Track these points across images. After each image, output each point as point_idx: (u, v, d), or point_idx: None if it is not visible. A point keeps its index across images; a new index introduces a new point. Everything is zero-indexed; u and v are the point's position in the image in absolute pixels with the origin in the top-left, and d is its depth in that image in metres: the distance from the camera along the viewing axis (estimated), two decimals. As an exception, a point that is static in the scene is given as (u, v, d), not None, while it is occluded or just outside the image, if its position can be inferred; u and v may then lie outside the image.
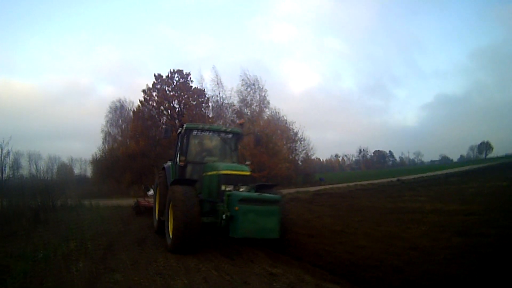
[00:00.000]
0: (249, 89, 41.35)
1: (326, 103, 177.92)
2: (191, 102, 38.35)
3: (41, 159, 73.64)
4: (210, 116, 38.68)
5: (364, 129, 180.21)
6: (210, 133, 10.24)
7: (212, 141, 10.76)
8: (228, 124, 31.98)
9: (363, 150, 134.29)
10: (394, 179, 40.41)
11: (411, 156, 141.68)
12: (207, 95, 40.49)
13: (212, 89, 41.47)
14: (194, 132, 9.87)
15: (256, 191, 8.22)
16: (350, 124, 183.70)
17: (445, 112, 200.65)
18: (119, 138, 43.88)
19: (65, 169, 72.48)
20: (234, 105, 41.20)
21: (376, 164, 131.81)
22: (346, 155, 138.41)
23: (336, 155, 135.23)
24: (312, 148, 45.97)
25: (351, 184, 36.98)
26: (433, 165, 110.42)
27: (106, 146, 44.17)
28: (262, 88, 41.64)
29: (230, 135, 10.32)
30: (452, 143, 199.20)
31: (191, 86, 39.38)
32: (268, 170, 33.41)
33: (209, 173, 8.78)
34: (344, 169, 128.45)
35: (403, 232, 8.75)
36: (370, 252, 7.09)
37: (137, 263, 6.89)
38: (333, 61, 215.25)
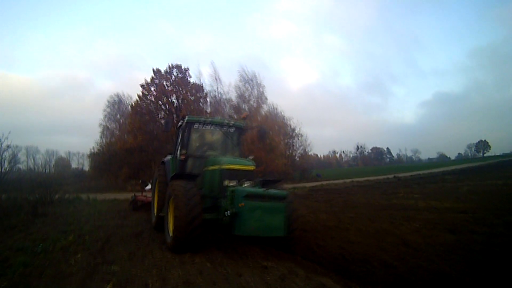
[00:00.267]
0: (247, 85, 41.37)
1: (324, 99, 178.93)
2: (189, 97, 38.22)
3: (39, 153, 73.98)
4: (208, 111, 38.64)
5: (362, 126, 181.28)
6: (212, 127, 9.86)
7: (213, 135, 10.33)
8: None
9: (361, 146, 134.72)
10: (391, 176, 40.70)
11: (409, 154, 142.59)
12: (205, 91, 40.48)
13: (210, 85, 41.49)
14: (196, 125, 9.54)
15: (261, 187, 7.95)
16: (348, 120, 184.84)
17: (443, 110, 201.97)
18: (117, 133, 43.65)
19: (62, 163, 72.70)
20: (232, 101, 41.16)
21: (374, 161, 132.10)
22: (343, 152, 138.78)
23: (334, 152, 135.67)
24: (309, 144, 46.21)
25: (347, 180, 37.24)
26: (430, 163, 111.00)
27: (103, 140, 43.97)
28: (260, 84, 41.71)
29: (232, 129, 9.97)
30: (450, 141, 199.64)
31: (189, 81, 39.25)
32: (264, 166, 33.45)
33: (211, 167, 8.45)
34: (342, 165, 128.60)
35: (396, 229, 8.82)
36: (361, 247, 7.22)
37: (134, 255, 7.03)
38: (331, 58, 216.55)
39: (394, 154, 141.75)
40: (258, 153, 32.64)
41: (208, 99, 40.69)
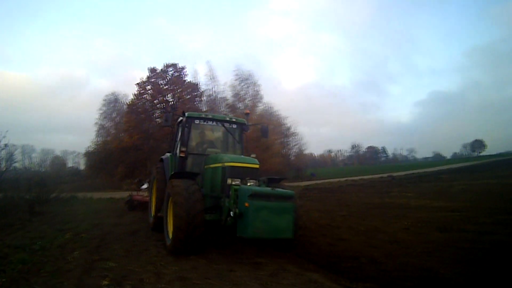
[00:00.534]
0: (242, 84, 41.68)
1: (320, 98, 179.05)
2: (185, 96, 38.32)
3: (34, 152, 73.65)
4: (203, 110, 38.77)
5: (358, 125, 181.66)
6: (213, 123, 9.41)
7: (214, 132, 10.00)
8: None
9: (356, 146, 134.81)
10: (385, 175, 40.83)
11: (404, 153, 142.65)
12: (200, 89, 40.66)
13: (206, 83, 41.79)
14: (196, 121, 9.12)
15: (267, 186, 7.48)
16: (344, 119, 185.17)
17: (439, 110, 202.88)
18: (113, 132, 43.75)
19: (58, 162, 72.48)
20: (227, 99, 41.44)
21: (369, 160, 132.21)
22: (339, 151, 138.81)
23: (329, 151, 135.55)
24: (305, 143, 46.49)
25: (342, 179, 37.43)
26: (426, 162, 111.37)
27: (99, 139, 44.12)
28: (256, 83, 42.02)
29: (234, 126, 9.50)
30: (445, 141, 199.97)
31: (185, 80, 39.41)
32: (259, 165, 33.57)
33: (212, 165, 8.03)
34: (337, 164, 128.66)
35: (386, 227, 9.01)
36: (352, 244, 7.39)
37: (130, 252, 7.15)
38: (328, 57, 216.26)
39: (390, 153, 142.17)
40: (251, 152, 32.73)
41: (203, 98, 40.83)
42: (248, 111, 11.29)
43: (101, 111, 45.24)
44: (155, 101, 38.21)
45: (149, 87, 38.27)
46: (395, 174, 42.23)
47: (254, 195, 6.35)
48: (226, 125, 9.42)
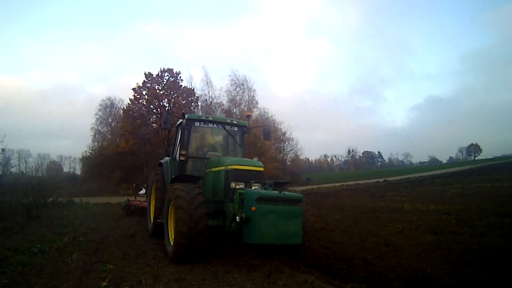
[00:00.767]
0: (238, 89, 42.06)
1: (315, 104, 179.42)
2: (181, 101, 38.27)
3: (30, 156, 73.45)
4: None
5: (354, 130, 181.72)
6: (214, 125, 9.14)
7: (215, 135, 9.70)
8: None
9: (352, 150, 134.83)
10: (381, 179, 40.95)
11: (400, 157, 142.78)
12: (196, 94, 40.66)
13: (202, 89, 41.99)
14: (196, 124, 8.91)
15: (274, 189, 6.92)
16: (339, 124, 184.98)
17: (434, 114, 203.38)
18: (109, 137, 43.86)
19: (54, 167, 72.17)
20: (223, 105, 41.62)
21: (365, 164, 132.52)
22: (335, 156, 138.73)
23: (325, 156, 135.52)
24: (300, 148, 46.68)
25: (337, 184, 37.51)
26: (421, 166, 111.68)
27: (95, 144, 44.13)
28: (251, 88, 42.28)
29: (235, 128, 9.23)
30: (441, 145, 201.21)
31: (181, 85, 39.33)
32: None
33: (214, 169, 7.79)
34: (333, 169, 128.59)
35: (379, 230, 9.10)
36: (345, 247, 7.46)
37: (128, 255, 7.29)
38: (323, 63, 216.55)
39: (386, 158, 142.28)
40: (249, 156, 32.86)
41: (199, 103, 40.91)
42: (249, 113, 11.14)
43: (97, 116, 45.43)
44: (151, 106, 38.21)
45: (145, 92, 38.23)
46: (390, 178, 42.33)
47: (261, 199, 6.13)
48: (227, 127, 9.15)
